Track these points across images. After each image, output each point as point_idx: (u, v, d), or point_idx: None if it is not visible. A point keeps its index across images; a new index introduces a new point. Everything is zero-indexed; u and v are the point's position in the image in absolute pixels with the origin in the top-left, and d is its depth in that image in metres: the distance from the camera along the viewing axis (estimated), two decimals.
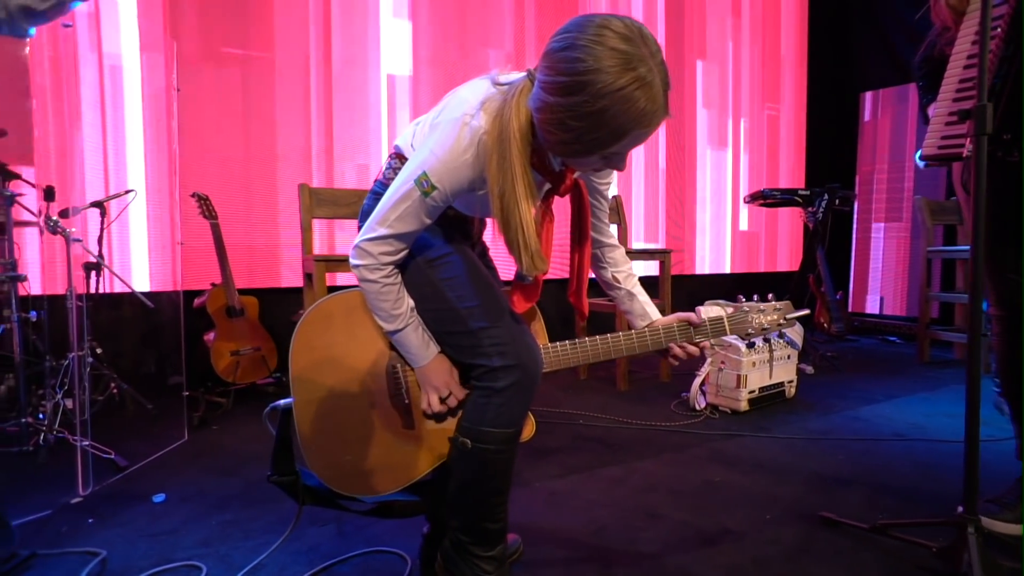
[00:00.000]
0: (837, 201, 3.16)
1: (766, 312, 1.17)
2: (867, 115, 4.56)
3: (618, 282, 1.15)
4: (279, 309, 2.96)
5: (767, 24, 4.46)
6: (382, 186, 1.04)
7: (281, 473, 1.12)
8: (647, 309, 1.14)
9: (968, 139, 1.29)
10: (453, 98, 0.90)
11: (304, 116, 3.03)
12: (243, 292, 2.67)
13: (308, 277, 2.34)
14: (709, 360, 2.40)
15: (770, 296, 1.19)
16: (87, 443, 1.63)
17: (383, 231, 0.91)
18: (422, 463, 1.07)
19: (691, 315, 1.10)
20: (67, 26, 1.57)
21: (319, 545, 1.32)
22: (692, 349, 1.09)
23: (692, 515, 1.44)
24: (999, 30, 1.27)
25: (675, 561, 1.22)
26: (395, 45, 3.19)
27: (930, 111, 1.70)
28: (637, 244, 3.89)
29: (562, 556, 1.26)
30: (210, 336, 2.60)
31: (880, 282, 4.47)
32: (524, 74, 0.86)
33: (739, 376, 2.31)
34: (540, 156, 0.89)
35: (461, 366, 1.03)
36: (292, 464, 1.11)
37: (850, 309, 4.51)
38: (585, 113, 0.75)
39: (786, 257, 4.72)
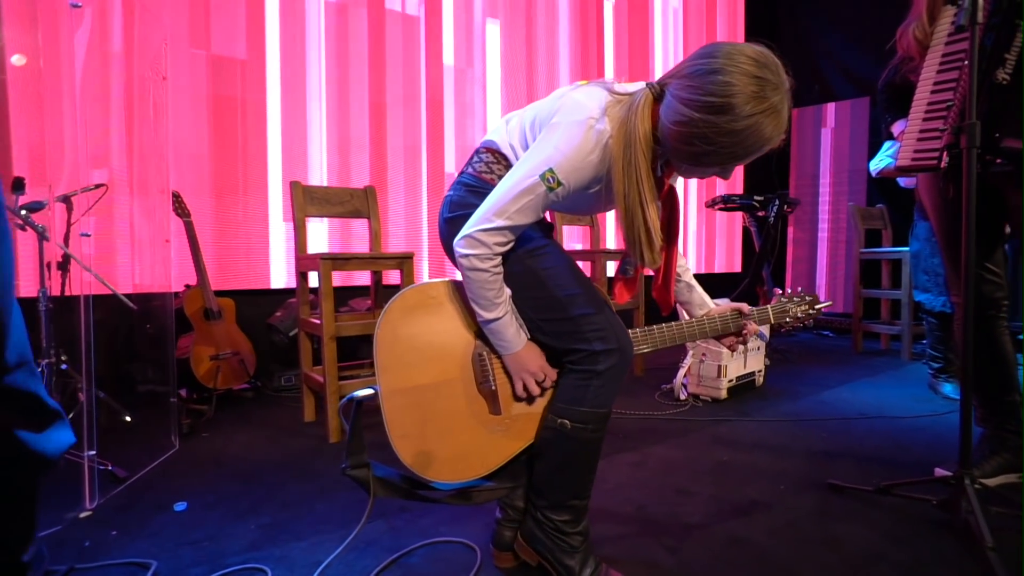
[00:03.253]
0: (786, 207, 3.48)
1: (799, 303, 1.31)
2: (796, 130, 5.02)
3: (679, 276, 1.24)
4: (254, 312, 2.84)
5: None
6: (473, 179, 1.08)
7: (355, 465, 1.12)
8: (704, 299, 1.25)
9: (945, 152, 1.50)
10: (567, 100, 0.96)
11: (279, 114, 2.93)
12: (216, 294, 2.54)
13: (303, 276, 2.28)
14: (691, 353, 2.58)
15: (799, 288, 1.34)
16: (92, 453, 1.52)
17: (501, 222, 0.95)
18: (509, 447, 1.11)
19: (742, 305, 1.23)
20: (76, 6, 1.44)
21: (376, 540, 1.31)
22: (750, 330, 1.21)
23: (718, 489, 1.56)
24: (966, 63, 1.50)
25: (721, 528, 1.34)
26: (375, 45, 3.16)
27: (894, 128, 1.94)
28: (611, 246, 4.07)
29: (616, 532, 1.33)
30: (186, 340, 2.46)
31: (810, 280, 4.93)
32: (643, 86, 0.94)
33: (720, 366, 2.50)
34: (652, 163, 0.97)
35: (549, 351, 1.09)
36: (364, 456, 1.12)
37: None
38: (728, 130, 0.84)
39: (723, 259, 5.09)
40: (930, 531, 1.31)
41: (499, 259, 0.99)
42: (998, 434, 1.62)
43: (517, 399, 1.10)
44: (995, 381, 1.60)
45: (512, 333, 1.04)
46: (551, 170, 0.92)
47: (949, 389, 2.55)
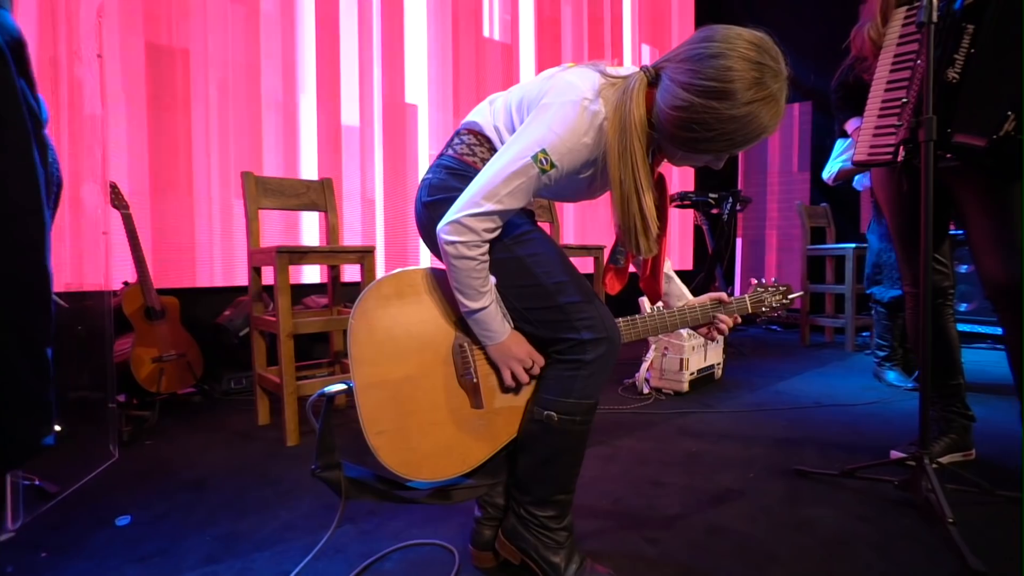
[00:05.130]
0: (738, 205, 3.59)
1: (773, 293, 1.33)
2: None
3: None
4: (199, 311, 2.66)
5: (657, 47, 4.92)
6: (454, 160, 1.03)
7: (325, 466, 1.05)
8: (683, 291, 1.24)
9: (901, 147, 1.57)
10: (557, 81, 0.92)
11: (221, 102, 2.77)
12: (159, 292, 2.37)
13: (256, 272, 2.15)
14: (653, 347, 2.60)
15: (774, 279, 1.36)
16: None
17: (490, 206, 0.90)
18: (491, 443, 1.07)
19: (722, 295, 1.23)
20: None
21: (346, 546, 1.24)
22: (729, 322, 1.21)
23: (691, 480, 1.57)
24: (920, 62, 1.57)
25: (699, 517, 1.34)
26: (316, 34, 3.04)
27: (848, 126, 2.01)
28: (571, 241, 4.08)
29: (596, 527, 1.31)
30: (125, 342, 2.28)
31: (759, 277, 5.11)
32: (636, 70, 0.91)
33: (682, 360, 2.53)
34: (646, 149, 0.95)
35: (533, 342, 1.05)
36: (335, 456, 1.05)
37: None
38: (728, 117, 0.83)
39: (675, 257, 5.21)
40: (894, 509, 1.36)
41: (487, 246, 0.95)
42: (944, 416, 1.70)
43: (504, 390, 1.06)
44: (942, 366, 1.69)
45: (498, 323, 1.00)
46: (544, 151, 0.88)
47: (893, 376, 2.68)
